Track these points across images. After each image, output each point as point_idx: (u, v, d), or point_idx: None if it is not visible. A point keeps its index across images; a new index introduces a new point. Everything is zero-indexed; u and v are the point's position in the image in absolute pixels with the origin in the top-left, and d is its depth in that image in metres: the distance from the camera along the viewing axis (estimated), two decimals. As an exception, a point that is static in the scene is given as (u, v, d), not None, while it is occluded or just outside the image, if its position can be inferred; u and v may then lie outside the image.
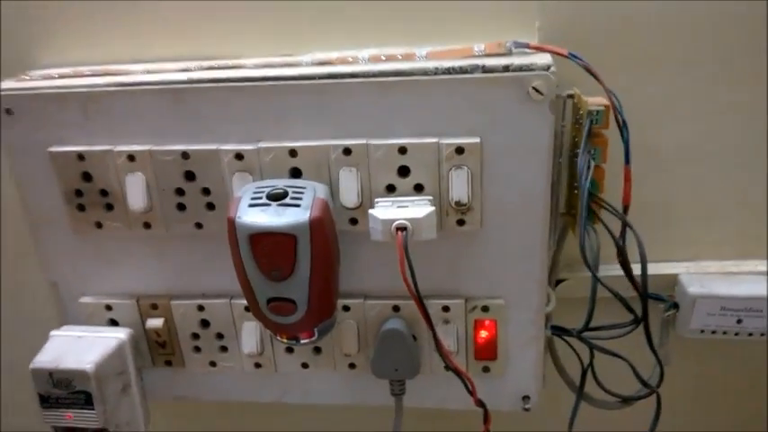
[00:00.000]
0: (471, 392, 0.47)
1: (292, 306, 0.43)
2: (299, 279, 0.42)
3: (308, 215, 0.41)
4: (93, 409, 0.49)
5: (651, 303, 0.54)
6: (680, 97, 0.51)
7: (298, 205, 0.42)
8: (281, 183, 0.44)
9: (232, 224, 0.41)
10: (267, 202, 0.42)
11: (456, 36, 0.50)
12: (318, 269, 0.43)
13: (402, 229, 0.43)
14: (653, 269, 0.55)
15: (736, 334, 0.55)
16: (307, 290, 0.43)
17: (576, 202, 0.50)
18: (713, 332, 0.55)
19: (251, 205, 0.42)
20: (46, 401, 0.49)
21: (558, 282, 0.56)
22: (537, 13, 0.49)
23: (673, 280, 0.56)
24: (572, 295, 0.55)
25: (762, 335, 0.54)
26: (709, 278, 0.55)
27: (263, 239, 0.41)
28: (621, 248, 0.48)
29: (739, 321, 0.54)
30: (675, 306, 0.55)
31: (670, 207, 0.55)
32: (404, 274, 0.42)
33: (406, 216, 0.44)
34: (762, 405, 0.64)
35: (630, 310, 0.48)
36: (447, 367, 0.48)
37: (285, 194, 0.42)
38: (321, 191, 0.44)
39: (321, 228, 0.42)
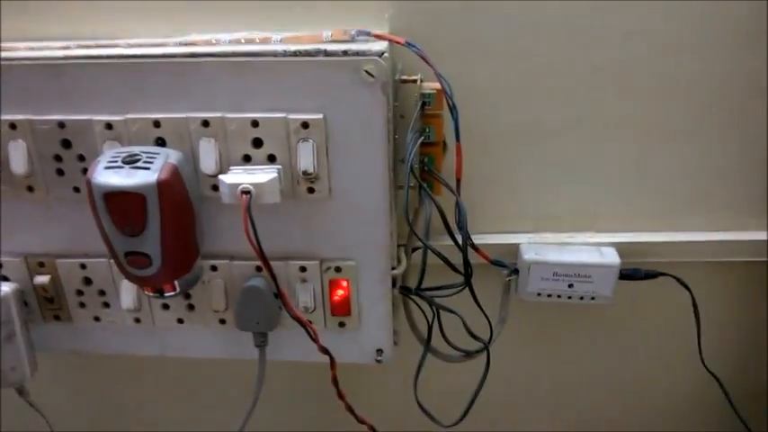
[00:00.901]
0: (314, 339, 0.53)
1: (146, 259, 0.49)
2: (151, 235, 0.48)
3: (156, 177, 0.47)
4: (-25, 354, 0.54)
5: (495, 269, 0.61)
6: (520, 80, 0.57)
7: (148, 168, 0.47)
8: (139, 149, 0.49)
9: (89, 184, 0.47)
10: (121, 165, 0.47)
11: (317, 25, 0.56)
12: (168, 226, 0.48)
13: (246, 192, 0.49)
14: (499, 239, 0.63)
15: (569, 297, 0.61)
16: (159, 245, 0.48)
17: (424, 177, 0.57)
18: (549, 295, 0.61)
19: (106, 168, 0.47)
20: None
21: (415, 249, 0.62)
22: (389, 4, 0.55)
23: (516, 249, 0.62)
24: (428, 261, 0.62)
25: (592, 298, 0.61)
26: (545, 247, 0.61)
27: (115, 198, 0.46)
28: (444, 217, 0.54)
29: (570, 286, 0.61)
30: (516, 272, 0.62)
31: (515, 184, 0.62)
32: (247, 231, 0.48)
33: (250, 181, 0.49)
34: (594, 357, 0.71)
35: (458, 271, 0.55)
36: (297, 321, 0.54)
37: (139, 158, 0.48)
38: (174, 156, 0.49)
39: (168, 188, 0.47)
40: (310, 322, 0.53)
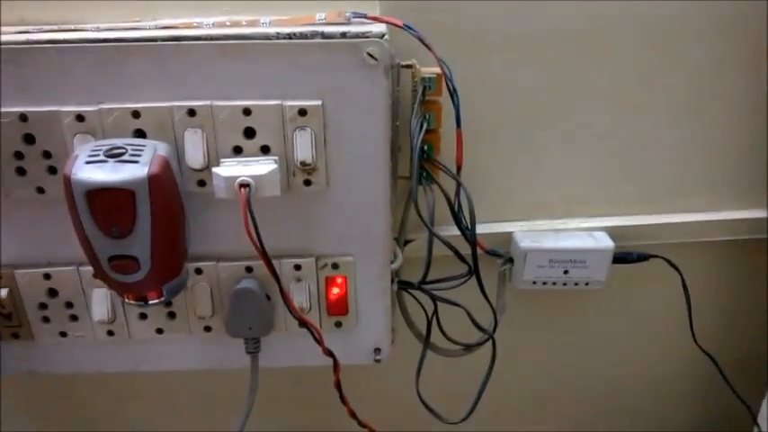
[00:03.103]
0: (319, 342, 0.50)
1: (135, 264, 0.44)
2: (140, 236, 0.43)
3: (147, 171, 0.42)
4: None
5: (489, 258, 0.60)
6: (509, 66, 0.56)
7: (136, 161, 0.42)
8: (121, 141, 0.44)
9: (68, 181, 0.41)
10: (105, 159, 0.42)
11: (302, 8, 0.52)
12: (159, 226, 0.43)
13: (245, 185, 0.45)
14: (492, 228, 0.61)
15: (564, 284, 0.61)
16: (149, 246, 0.44)
17: (422, 164, 0.54)
18: (544, 283, 0.61)
19: (87, 162, 0.42)
20: None
21: (407, 242, 0.60)
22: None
23: (509, 238, 0.61)
24: (420, 254, 0.59)
25: (586, 284, 0.61)
26: (539, 235, 0.61)
27: (100, 196, 0.41)
28: (452, 205, 0.52)
29: (566, 272, 0.60)
30: (510, 260, 0.60)
31: (505, 172, 0.60)
32: (247, 228, 0.44)
33: (249, 173, 0.45)
34: (589, 341, 0.71)
35: (464, 261, 0.53)
36: (301, 324, 0.50)
37: (124, 151, 0.43)
38: (162, 149, 0.45)
39: (160, 184, 0.43)
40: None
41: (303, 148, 0.48)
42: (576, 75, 0.57)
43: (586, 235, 0.61)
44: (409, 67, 0.52)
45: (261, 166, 0.46)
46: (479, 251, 0.58)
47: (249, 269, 0.53)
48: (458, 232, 0.55)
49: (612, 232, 0.61)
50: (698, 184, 0.62)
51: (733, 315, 0.70)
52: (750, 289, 0.69)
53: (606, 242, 0.60)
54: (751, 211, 0.63)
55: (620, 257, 0.61)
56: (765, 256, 0.66)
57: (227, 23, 0.50)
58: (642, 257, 0.61)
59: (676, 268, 0.61)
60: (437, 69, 0.51)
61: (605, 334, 0.70)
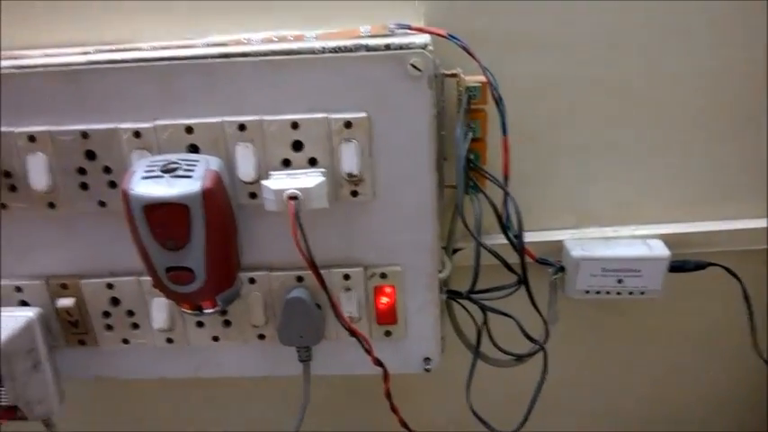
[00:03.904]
0: (368, 351, 0.50)
1: (190, 274, 0.46)
2: (195, 248, 0.45)
3: (200, 185, 0.44)
4: (1, 386, 0.50)
5: (540, 268, 0.59)
6: (557, 76, 0.55)
7: (190, 176, 0.44)
8: (175, 156, 0.46)
9: (126, 196, 0.43)
10: (160, 174, 0.44)
11: (347, 21, 0.53)
12: (213, 238, 0.45)
13: (293, 198, 0.46)
14: (541, 237, 0.60)
15: (618, 293, 0.59)
16: (203, 258, 0.45)
17: (468, 174, 0.54)
18: (597, 292, 0.59)
19: (144, 177, 0.44)
20: (-46, 381, 0.50)
21: (456, 251, 0.60)
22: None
23: (559, 246, 0.60)
24: (469, 263, 0.59)
25: (641, 293, 0.59)
26: (591, 243, 0.59)
27: (157, 210, 0.43)
28: (500, 215, 0.51)
29: (620, 281, 0.59)
30: (562, 269, 0.59)
31: (555, 179, 0.60)
32: (296, 239, 0.45)
33: (297, 186, 0.47)
34: (640, 354, 0.69)
35: (513, 271, 0.52)
36: (350, 333, 0.51)
37: (178, 166, 0.44)
38: (214, 163, 0.46)
39: (213, 197, 0.44)
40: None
41: (349, 160, 0.49)
42: (627, 78, 0.56)
43: (641, 243, 0.59)
44: (453, 76, 0.52)
45: (309, 179, 0.47)
46: (529, 260, 0.57)
47: (300, 279, 0.54)
48: (506, 241, 0.55)
49: (667, 239, 0.59)
50: (758, 189, 0.59)
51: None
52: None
53: (662, 250, 0.58)
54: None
55: (677, 266, 0.59)
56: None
57: (275, 39, 0.51)
58: (700, 266, 0.59)
59: (737, 277, 0.59)
60: (482, 78, 0.51)
61: (661, 345, 0.68)
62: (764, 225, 0.59)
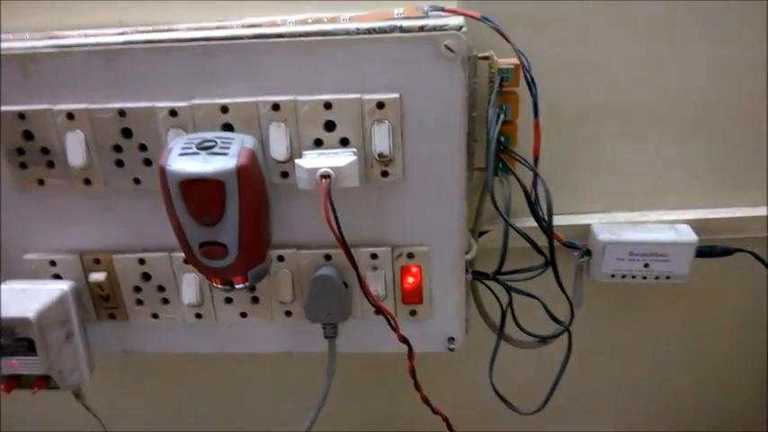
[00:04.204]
0: (394, 329, 0.51)
1: (223, 249, 0.46)
2: (229, 223, 0.46)
3: (235, 162, 0.44)
4: (36, 356, 0.51)
5: (567, 251, 0.59)
6: (589, 60, 0.55)
7: (225, 154, 0.45)
8: (211, 135, 0.47)
9: (163, 172, 0.44)
10: (196, 151, 0.45)
11: (381, 4, 0.53)
12: (246, 214, 0.46)
13: (326, 176, 0.47)
14: (568, 220, 0.60)
15: (644, 278, 0.59)
16: (237, 234, 0.46)
17: (498, 156, 0.55)
18: (623, 276, 0.60)
19: (181, 154, 0.45)
20: (-9, 350, 0.52)
21: (482, 233, 0.60)
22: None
23: (586, 230, 0.60)
24: (495, 245, 0.59)
25: (667, 278, 0.59)
26: (618, 227, 0.59)
27: (193, 186, 0.44)
28: (529, 196, 0.52)
29: (646, 266, 0.59)
30: (588, 253, 0.60)
31: (583, 163, 0.60)
32: (327, 216, 0.46)
33: (329, 164, 0.47)
34: (664, 339, 0.69)
35: (540, 252, 0.53)
36: (377, 311, 0.52)
37: (214, 144, 0.45)
38: (249, 141, 0.47)
39: (247, 175, 0.45)
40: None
41: (381, 141, 0.49)
42: (657, 62, 0.55)
43: (668, 227, 0.59)
44: (486, 58, 0.52)
45: (341, 158, 0.48)
46: (556, 243, 0.57)
47: (328, 257, 0.55)
48: (534, 224, 0.55)
49: (695, 225, 0.59)
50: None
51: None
52: None
53: (689, 235, 0.58)
54: None
55: (704, 251, 0.59)
56: None
57: (309, 21, 0.51)
58: (727, 251, 0.59)
59: (764, 263, 0.59)
60: (515, 60, 0.51)
61: (686, 330, 0.68)
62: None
